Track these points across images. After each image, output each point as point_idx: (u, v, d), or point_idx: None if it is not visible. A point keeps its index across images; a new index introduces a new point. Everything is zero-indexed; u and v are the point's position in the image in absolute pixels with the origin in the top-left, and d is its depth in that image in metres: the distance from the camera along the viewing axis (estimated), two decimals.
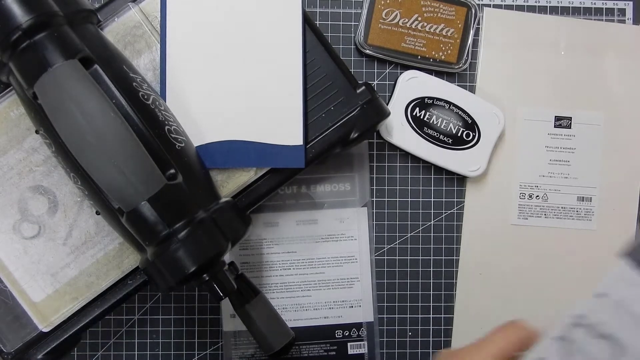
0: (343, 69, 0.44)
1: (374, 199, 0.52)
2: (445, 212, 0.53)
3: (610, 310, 0.28)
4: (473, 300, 0.52)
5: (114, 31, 0.43)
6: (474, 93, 0.52)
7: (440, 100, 0.51)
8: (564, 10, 0.53)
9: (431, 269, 0.53)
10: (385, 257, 0.52)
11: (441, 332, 0.52)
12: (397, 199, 0.52)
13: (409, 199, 0.52)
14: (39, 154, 0.42)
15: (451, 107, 0.51)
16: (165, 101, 0.42)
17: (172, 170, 0.37)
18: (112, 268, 0.43)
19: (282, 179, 0.44)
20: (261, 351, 0.50)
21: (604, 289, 0.28)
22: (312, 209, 0.52)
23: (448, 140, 0.51)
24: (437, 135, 0.50)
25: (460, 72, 0.52)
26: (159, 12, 0.43)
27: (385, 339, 0.52)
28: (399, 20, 0.50)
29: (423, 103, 0.50)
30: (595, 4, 0.53)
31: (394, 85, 0.51)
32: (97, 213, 0.41)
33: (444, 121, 0.50)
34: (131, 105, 0.37)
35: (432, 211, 0.53)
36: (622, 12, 0.54)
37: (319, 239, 0.52)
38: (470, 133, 0.51)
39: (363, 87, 0.44)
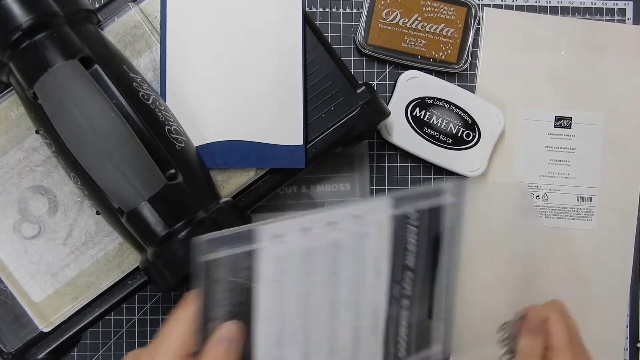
0: (343, 69, 0.44)
1: None
2: None
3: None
4: (473, 300, 0.52)
5: (114, 31, 0.43)
6: (474, 93, 0.52)
7: (440, 100, 0.51)
8: (564, 10, 0.53)
9: None
10: None
11: None
12: None
13: None
14: (39, 154, 0.42)
15: (451, 107, 0.51)
16: (165, 101, 0.42)
17: (172, 170, 0.37)
18: (112, 268, 0.42)
19: (282, 179, 0.44)
20: None
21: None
22: (312, 209, 0.52)
23: (448, 140, 0.51)
24: (437, 135, 0.50)
25: (460, 72, 0.52)
26: (159, 12, 0.43)
27: None
28: (399, 20, 0.50)
29: (423, 103, 0.50)
30: (595, 4, 0.54)
31: (394, 85, 0.51)
32: (97, 213, 0.41)
33: (444, 121, 0.50)
34: (131, 105, 0.37)
35: None
36: (622, 12, 0.54)
37: None
38: (470, 133, 0.51)
39: (363, 87, 0.44)
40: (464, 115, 0.51)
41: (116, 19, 0.43)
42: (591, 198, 0.53)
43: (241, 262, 0.30)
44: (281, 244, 0.31)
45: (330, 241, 0.32)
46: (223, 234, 0.30)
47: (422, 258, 0.36)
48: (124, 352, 0.51)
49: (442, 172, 0.52)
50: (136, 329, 0.51)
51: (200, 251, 0.30)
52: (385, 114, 0.45)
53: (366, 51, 0.51)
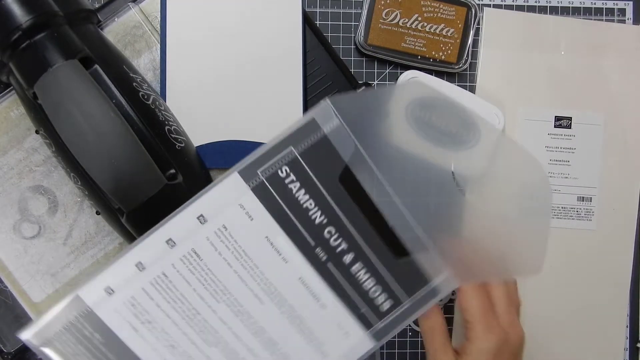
0: (343, 69, 0.44)
1: None
2: None
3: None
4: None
5: (114, 31, 0.43)
6: (474, 93, 0.52)
7: None
8: (564, 10, 0.53)
9: None
10: None
11: None
12: None
13: None
14: (39, 154, 0.42)
15: None
16: (165, 101, 0.42)
17: (172, 171, 0.37)
18: None
19: None
20: None
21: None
22: None
23: None
24: None
25: (460, 72, 0.52)
26: (159, 12, 0.43)
27: None
28: (399, 20, 0.50)
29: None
30: (595, 4, 0.54)
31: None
32: (97, 213, 0.41)
33: None
34: (131, 105, 0.37)
35: None
36: (622, 12, 0.54)
37: None
38: None
39: (363, 87, 0.44)
40: None
41: (116, 19, 0.43)
42: (591, 198, 0.53)
43: (84, 329, 0.29)
44: (112, 294, 0.29)
45: (180, 257, 0.30)
46: (48, 317, 0.29)
47: (330, 205, 0.31)
48: None
49: None
50: None
51: (34, 343, 0.29)
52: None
53: (366, 51, 0.51)
